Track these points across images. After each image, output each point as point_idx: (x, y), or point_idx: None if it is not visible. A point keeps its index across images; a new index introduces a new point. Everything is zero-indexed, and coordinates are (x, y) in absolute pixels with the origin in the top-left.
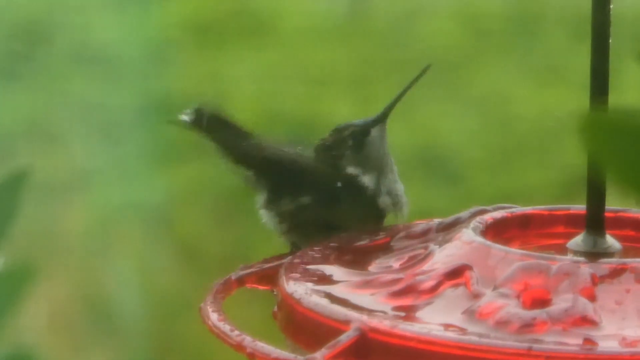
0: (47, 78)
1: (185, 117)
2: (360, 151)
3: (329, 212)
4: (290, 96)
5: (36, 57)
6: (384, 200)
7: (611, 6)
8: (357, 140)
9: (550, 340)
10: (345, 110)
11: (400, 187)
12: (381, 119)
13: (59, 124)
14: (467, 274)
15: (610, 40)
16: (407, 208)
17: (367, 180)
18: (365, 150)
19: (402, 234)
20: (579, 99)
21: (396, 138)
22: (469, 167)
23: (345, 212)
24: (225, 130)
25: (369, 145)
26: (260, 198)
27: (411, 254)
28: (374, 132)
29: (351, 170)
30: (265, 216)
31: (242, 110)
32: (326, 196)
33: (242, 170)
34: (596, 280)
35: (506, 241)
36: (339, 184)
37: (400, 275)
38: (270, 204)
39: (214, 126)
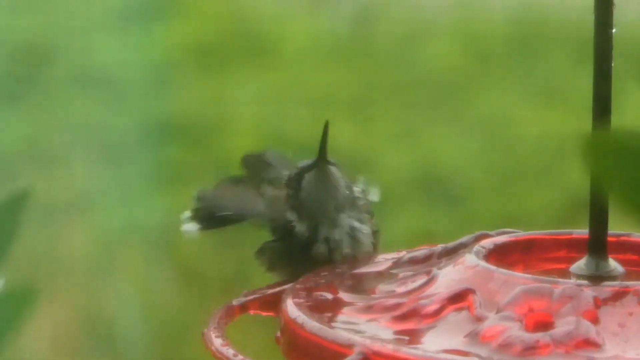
0: (48, 100)
1: (187, 227)
2: (296, 196)
3: (279, 254)
4: (292, 118)
5: (38, 79)
6: (317, 249)
7: (613, 29)
8: (294, 185)
9: None
10: (347, 132)
11: (340, 232)
12: (316, 163)
13: (60, 145)
14: (470, 297)
15: (612, 63)
16: (374, 241)
17: (301, 227)
18: (301, 196)
19: (405, 259)
20: (581, 120)
21: (398, 160)
22: (471, 189)
23: (288, 256)
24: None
25: (303, 191)
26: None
27: (414, 278)
28: (308, 177)
29: (289, 215)
30: None
31: (244, 132)
32: (280, 238)
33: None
34: (599, 303)
35: (509, 265)
36: (282, 229)
37: (403, 300)
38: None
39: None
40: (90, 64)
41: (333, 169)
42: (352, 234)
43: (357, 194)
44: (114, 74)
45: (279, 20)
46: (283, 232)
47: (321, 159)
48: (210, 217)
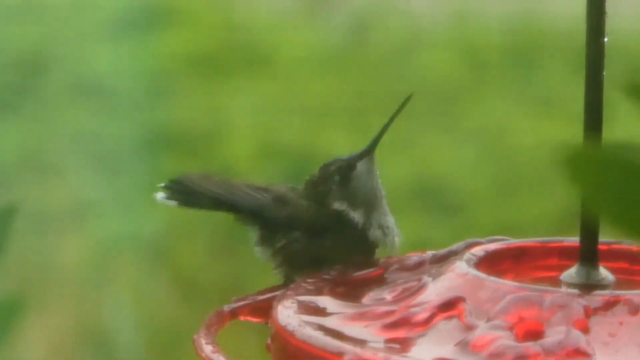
0: (44, 109)
1: (160, 197)
2: (347, 186)
3: (318, 247)
4: (287, 127)
5: (33, 89)
6: (374, 234)
7: (605, 39)
8: (343, 176)
9: None
10: (342, 141)
11: (390, 220)
12: (367, 153)
13: (55, 155)
14: (461, 306)
15: (604, 73)
16: (399, 239)
17: (355, 215)
18: (352, 185)
19: (395, 266)
20: (576, 130)
21: (393, 169)
22: (467, 199)
23: (336, 247)
24: (202, 192)
25: (355, 180)
26: (254, 235)
27: (405, 286)
28: (360, 166)
29: (338, 205)
30: (259, 253)
31: (240, 141)
32: (315, 232)
33: (233, 215)
34: (589, 312)
35: (500, 273)
36: (327, 220)
37: (394, 307)
38: (264, 240)
39: (191, 195)
40: (86, 73)
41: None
42: (394, 226)
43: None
44: (109, 84)
45: (274, 30)
46: (328, 224)
47: (372, 148)
48: (190, 193)
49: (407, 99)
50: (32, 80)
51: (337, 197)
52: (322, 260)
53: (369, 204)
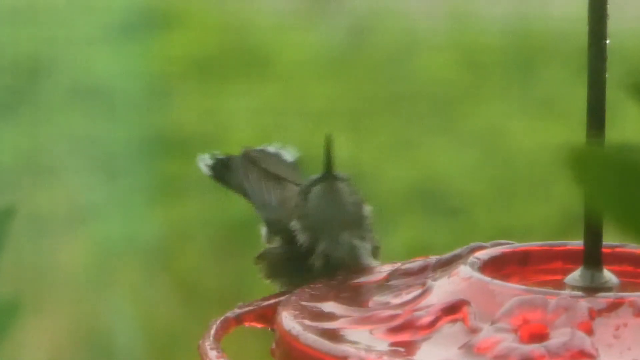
0: (42, 112)
1: (204, 165)
2: (303, 207)
3: (279, 260)
4: (289, 130)
5: (35, 92)
6: (313, 261)
7: (607, 40)
8: (303, 196)
9: None
10: (343, 145)
11: (342, 249)
12: (323, 178)
13: (53, 158)
14: (465, 309)
15: (606, 75)
16: (366, 260)
17: (302, 237)
18: (307, 207)
19: (399, 270)
20: (577, 132)
21: (393, 172)
22: (467, 201)
23: (286, 264)
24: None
25: (309, 203)
26: (263, 232)
27: (409, 290)
28: (315, 190)
29: (293, 224)
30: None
31: (239, 144)
32: (281, 246)
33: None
34: (594, 314)
35: (504, 277)
36: (285, 236)
37: (398, 311)
38: (267, 239)
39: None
40: (84, 76)
41: (342, 185)
42: (353, 252)
43: (365, 212)
44: (107, 87)
45: (274, 33)
46: (284, 238)
47: (328, 175)
48: (226, 174)
49: (329, 139)
50: (30, 83)
51: (296, 216)
52: (281, 275)
53: (321, 230)
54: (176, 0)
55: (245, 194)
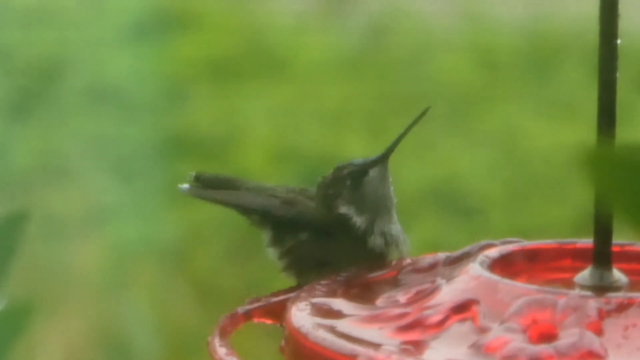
0: (61, 114)
1: (183, 188)
2: (357, 191)
3: (323, 250)
4: (303, 131)
5: (50, 93)
6: (374, 241)
7: (619, 40)
8: (355, 180)
9: None
10: (358, 144)
11: (396, 228)
12: (381, 160)
13: (72, 160)
14: (474, 308)
15: (617, 75)
16: (407, 248)
17: (359, 220)
18: (362, 191)
19: (409, 267)
20: (591, 132)
21: (409, 172)
22: (483, 202)
23: (337, 251)
24: (221, 190)
25: (366, 186)
26: (266, 237)
27: (418, 288)
28: (373, 172)
29: (344, 209)
30: (270, 254)
31: (256, 145)
32: (321, 234)
33: (245, 216)
34: (603, 314)
35: (513, 275)
36: (331, 223)
37: (408, 310)
38: (274, 242)
39: (211, 190)
40: (102, 78)
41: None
42: (400, 235)
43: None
44: (126, 88)
45: (290, 34)
46: (333, 227)
47: (387, 156)
48: (214, 186)
49: (425, 111)
50: (48, 85)
51: (346, 201)
52: (327, 263)
53: (376, 211)
54: (191, 1)
55: (234, 205)
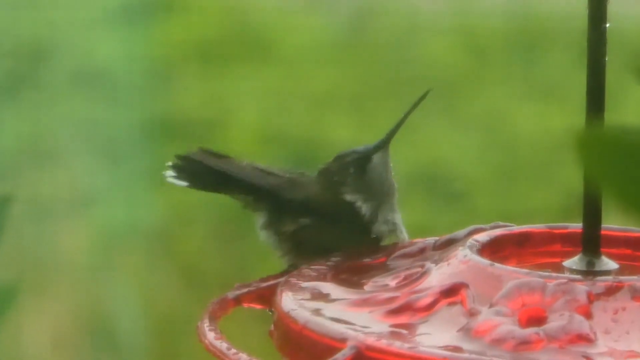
0: (48, 97)
1: (170, 176)
2: (361, 178)
3: (327, 236)
4: (292, 114)
5: (37, 76)
6: (379, 228)
7: (607, 24)
8: (358, 167)
9: (546, 357)
10: (345, 128)
11: (397, 217)
12: (383, 146)
13: (55, 143)
14: (463, 292)
15: (606, 59)
16: (405, 237)
17: (364, 207)
18: (366, 178)
19: (398, 252)
20: (579, 116)
21: (396, 156)
22: (470, 186)
23: (342, 237)
24: (213, 169)
25: (370, 173)
26: (260, 219)
27: (407, 272)
28: (376, 159)
29: (350, 197)
30: (265, 236)
31: (242, 128)
32: (325, 220)
33: (240, 196)
34: (592, 298)
35: (502, 259)
36: (338, 210)
37: (397, 294)
38: (271, 224)
39: (199, 174)
40: (89, 60)
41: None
42: (400, 222)
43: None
44: (114, 71)
45: (277, 17)
46: (338, 214)
47: (388, 141)
48: (199, 171)
49: (424, 95)
50: (31, 68)
51: (351, 189)
52: (329, 249)
53: (380, 197)
54: None
55: (238, 182)
